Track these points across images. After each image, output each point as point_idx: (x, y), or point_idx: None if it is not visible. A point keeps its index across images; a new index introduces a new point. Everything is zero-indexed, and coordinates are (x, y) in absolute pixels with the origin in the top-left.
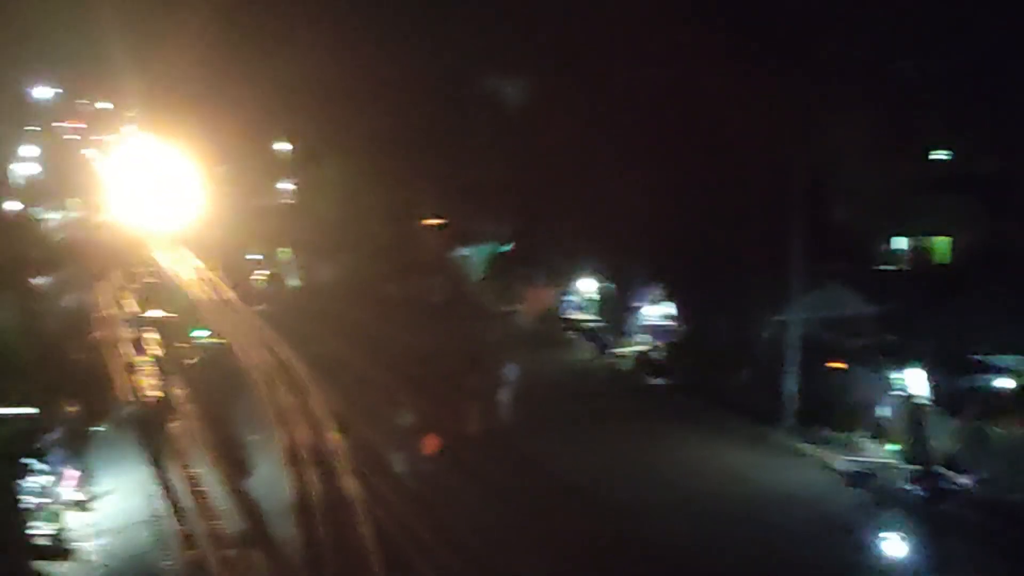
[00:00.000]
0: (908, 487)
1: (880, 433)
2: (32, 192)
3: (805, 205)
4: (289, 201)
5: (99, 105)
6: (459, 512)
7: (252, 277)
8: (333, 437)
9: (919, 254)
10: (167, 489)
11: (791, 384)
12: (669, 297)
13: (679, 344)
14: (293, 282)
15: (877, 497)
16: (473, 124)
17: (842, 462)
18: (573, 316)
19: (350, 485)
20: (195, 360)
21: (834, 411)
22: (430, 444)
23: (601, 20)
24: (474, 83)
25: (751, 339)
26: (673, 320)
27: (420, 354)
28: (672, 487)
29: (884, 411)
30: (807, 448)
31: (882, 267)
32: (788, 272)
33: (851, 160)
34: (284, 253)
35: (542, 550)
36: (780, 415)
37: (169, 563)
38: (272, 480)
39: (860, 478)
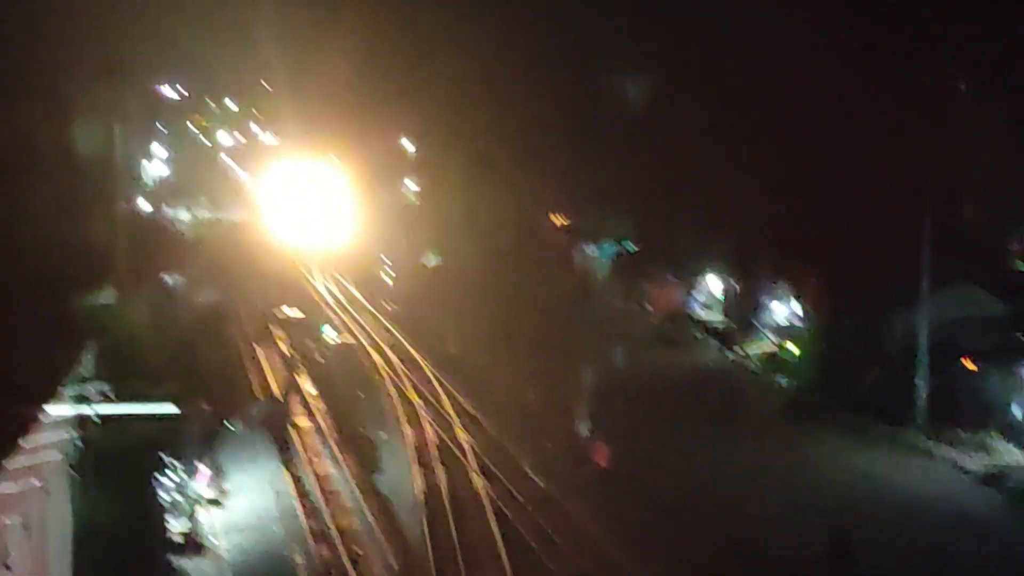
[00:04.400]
0: None
1: (1013, 433)
2: (162, 191)
3: (936, 203)
4: (416, 201)
5: (227, 104)
6: (586, 511)
7: (380, 276)
8: (461, 435)
9: None
10: (297, 486)
11: (921, 384)
12: (797, 296)
13: (807, 343)
14: (420, 281)
15: (1011, 498)
16: (599, 124)
17: (974, 463)
18: (700, 314)
19: (479, 483)
20: (324, 358)
21: (965, 411)
22: (600, 453)
23: (728, 19)
24: (601, 83)
25: (880, 338)
26: (801, 319)
27: (544, 352)
28: (801, 488)
29: (1017, 411)
30: (938, 448)
31: (1014, 265)
32: (919, 270)
33: (984, 158)
34: (411, 253)
35: (670, 555)
36: (910, 415)
37: (300, 560)
38: (401, 478)
39: (993, 479)
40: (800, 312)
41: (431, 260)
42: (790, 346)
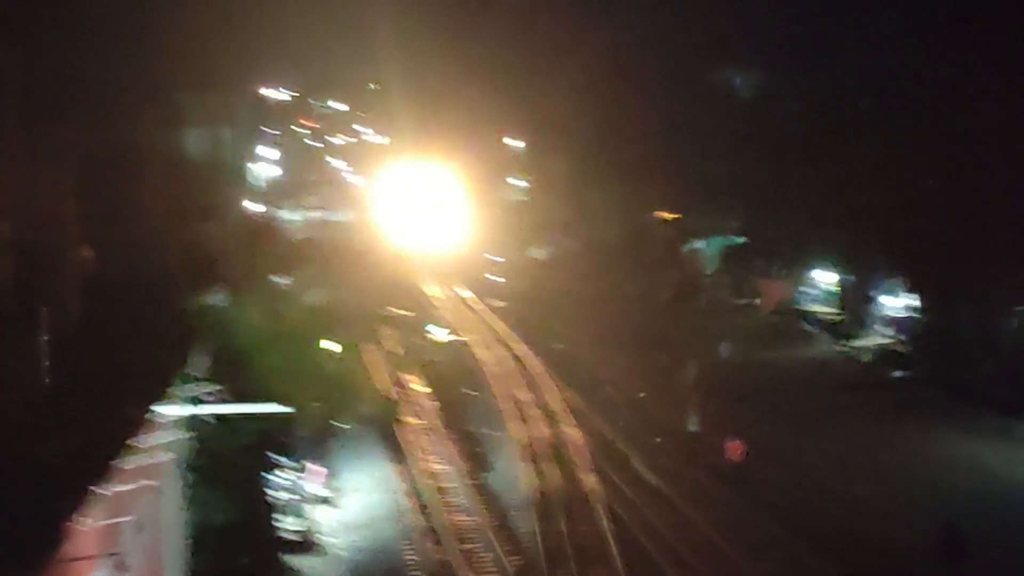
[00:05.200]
0: None
1: None
2: (272, 192)
3: None
4: (523, 198)
5: (333, 105)
6: (699, 509)
7: (488, 274)
8: (571, 432)
9: None
10: (410, 485)
11: None
12: (910, 287)
13: (921, 335)
14: (530, 278)
15: None
16: (708, 118)
17: None
18: (810, 308)
19: (590, 481)
20: (433, 356)
21: None
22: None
23: (838, 11)
24: (707, 76)
25: (997, 329)
26: (915, 311)
27: (653, 346)
28: (916, 481)
29: None
30: None
31: None
32: None
33: None
34: (521, 250)
35: (786, 551)
36: None
37: (414, 558)
38: (512, 476)
39: None
40: (914, 304)
41: (540, 257)
42: (904, 339)
